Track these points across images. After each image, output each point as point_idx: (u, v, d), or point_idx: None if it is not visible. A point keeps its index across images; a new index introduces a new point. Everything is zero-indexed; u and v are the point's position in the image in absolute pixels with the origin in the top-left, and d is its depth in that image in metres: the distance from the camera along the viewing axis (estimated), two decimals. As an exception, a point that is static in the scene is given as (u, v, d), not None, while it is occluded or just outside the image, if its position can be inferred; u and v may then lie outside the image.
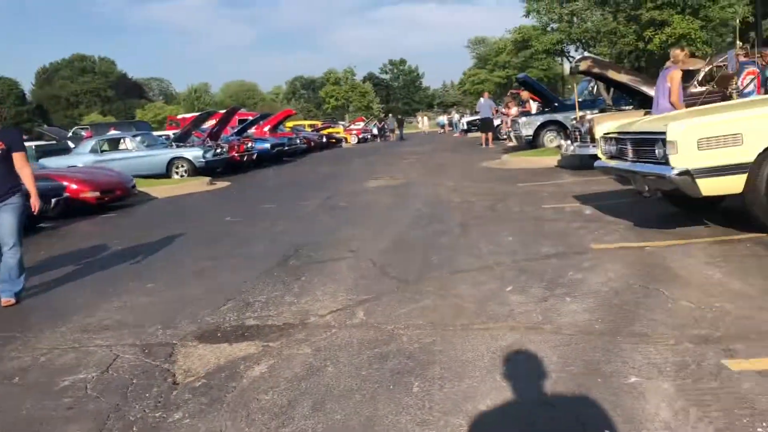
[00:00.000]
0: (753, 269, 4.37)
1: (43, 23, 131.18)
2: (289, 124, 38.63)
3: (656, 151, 5.62)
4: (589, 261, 5.06)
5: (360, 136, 42.94)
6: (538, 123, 16.77)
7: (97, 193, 11.78)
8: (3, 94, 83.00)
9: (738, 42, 8.57)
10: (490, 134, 23.11)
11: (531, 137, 16.77)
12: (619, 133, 6.55)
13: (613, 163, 6.69)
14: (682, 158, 5.19)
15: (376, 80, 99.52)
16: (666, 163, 5.42)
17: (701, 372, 2.75)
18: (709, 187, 5.22)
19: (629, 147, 6.18)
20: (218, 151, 18.46)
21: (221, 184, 16.12)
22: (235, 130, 23.65)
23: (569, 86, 52.25)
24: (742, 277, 4.21)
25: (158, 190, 14.48)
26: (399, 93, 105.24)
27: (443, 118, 61.59)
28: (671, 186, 5.41)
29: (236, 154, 19.67)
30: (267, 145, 22.82)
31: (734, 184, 5.22)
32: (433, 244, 6.38)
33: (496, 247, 5.93)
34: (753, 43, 13.14)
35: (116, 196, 12.28)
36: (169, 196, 14.04)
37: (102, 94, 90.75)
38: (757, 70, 8.86)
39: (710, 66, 11.14)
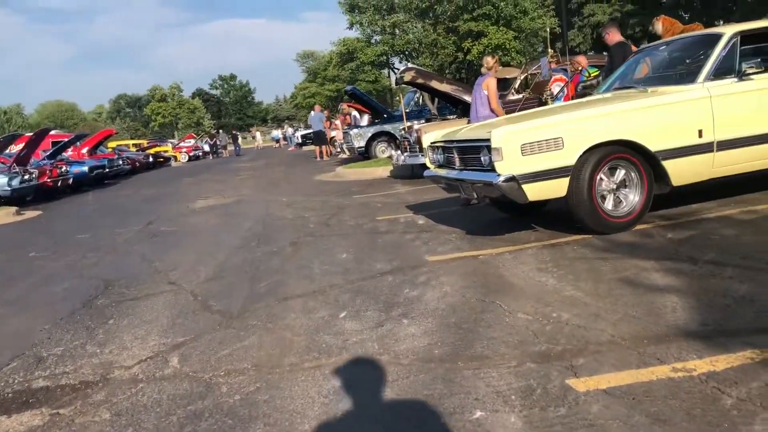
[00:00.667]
0: (583, 273, 4.37)
1: None
2: (112, 144, 36.18)
3: (482, 159, 5.56)
4: (425, 275, 4.85)
5: (191, 154, 41.17)
6: (369, 134, 16.81)
7: None
8: None
9: (549, 50, 8.94)
10: (323, 147, 22.94)
11: (363, 149, 16.77)
12: (445, 141, 6.48)
13: (441, 172, 6.61)
14: (507, 164, 5.15)
15: (206, 96, 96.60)
16: (492, 170, 5.38)
17: (548, 397, 2.54)
18: (535, 191, 5.23)
19: (456, 155, 6.11)
20: (26, 177, 16.63)
21: (30, 213, 14.46)
22: (47, 154, 21.56)
23: (397, 98, 53.83)
24: (574, 282, 4.17)
25: (-50, 225, 12.65)
26: (231, 108, 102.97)
27: (277, 133, 61.00)
28: (498, 193, 5.36)
29: (48, 180, 17.86)
30: (84, 168, 21.00)
31: (558, 188, 5.26)
32: (262, 267, 5.90)
33: (330, 266, 5.58)
34: (564, 51, 14.02)
35: None
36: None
37: None
38: (565, 77, 9.30)
39: (525, 74, 11.66)
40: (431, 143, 6.88)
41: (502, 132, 5.17)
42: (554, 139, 5.18)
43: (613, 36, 8.36)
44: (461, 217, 7.42)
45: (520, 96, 10.82)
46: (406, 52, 15.05)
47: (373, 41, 16.28)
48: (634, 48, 8.61)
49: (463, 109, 12.51)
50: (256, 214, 9.95)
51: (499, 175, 5.19)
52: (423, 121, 13.46)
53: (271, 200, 11.66)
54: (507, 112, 9.41)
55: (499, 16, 14.28)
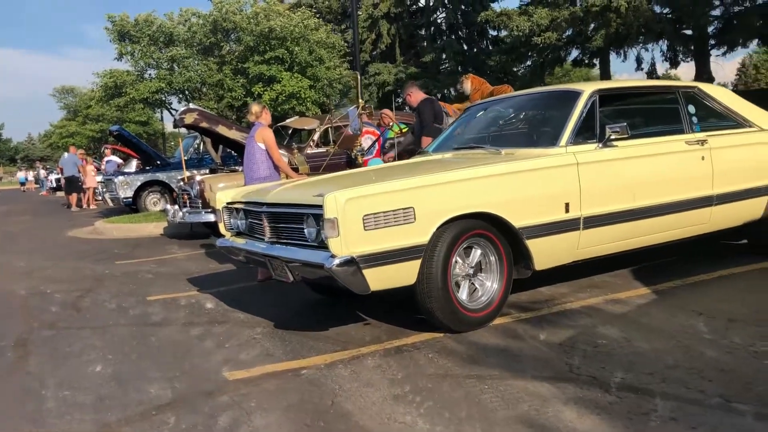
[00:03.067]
0: (461, 406, 3.05)
1: None
2: None
3: (306, 231, 4.10)
4: (227, 412, 3.19)
5: None
6: (139, 183, 14.47)
7: None
8: None
9: (360, 100, 7.83)
10: (74, 195, 19.81)
11: (131, 199, 14.37)
12: (249, 203, 4.91)
13: (241, 242, 5.03)
14: (345, 242, 3.75)
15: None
16: (320, 246, 3.95)
17: None
18: (378, 279, 3.87)
19: (265, 223, 4.56)
20: None
21: None
22: None
23: (171, 143, 50.37)
24: (457, 426, 2.84)
25: None
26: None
27: (25, 174, 53.85)
28: (329, 278, 3.91)
29: None
30: None
31: (407, 274, 3.97)
32: (-40, 393, 3.77)
33: (76, 391, 3.66)
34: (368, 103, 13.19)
35: None
36: None
37: None
38: (377, 131, 8.27)
39: (328, 125, 10.51)
40: (228, 203, 5.27)
41: (339, 197, 3.75)
42: (404, 209, 3.90)
43: (416, 95, 7.53)
44: (262, 297, 5.86)
45: (324, 150, 9.61)
46: (186, 92, 13.20)
47: (146, 76, 14.15)
48: (445, 105, 7.80)
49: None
50: (-25, 286, 7.39)
51: (333, 256, 3.76)
52: (206, 172, 11.67)
53: (3, 265, 9.01)
54: (312, 169, 8.12)
55: (293, 62, 13.10)
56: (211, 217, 9.71)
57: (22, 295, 6.64)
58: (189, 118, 10.04)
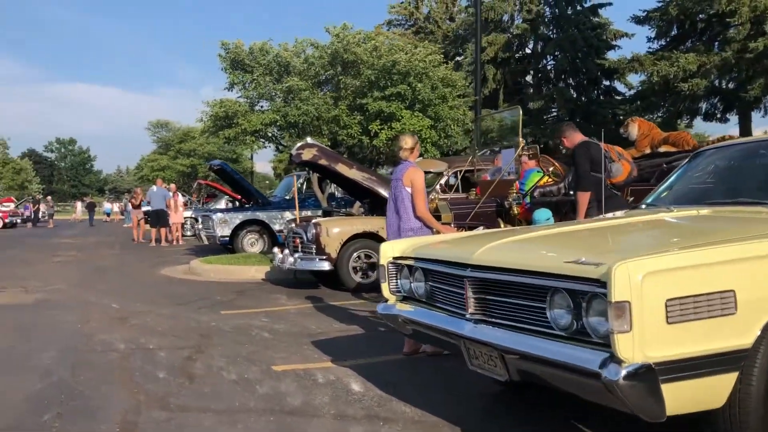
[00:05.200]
0: None
1: None
2: None
3: (550, 313, 2.79)
4: None
5: (6, 220, 35.06)
6: (238, 221, 13.58)
7: None
8: None
9: (519, 139, 6.56)
10: (163, 230, 19.22)
11: (228, 239, 13.48)
12: (437, 262, 3.63)
13: (408, 309, 3.79)
14: (640, 341, 2.41)
15: (37, 158, 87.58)
16: (574, 339, 2.64)
17: None
18: (679, 399, 2.51)
19: (469, 292, 3.26)
20: None
21: None
22: None
23: (266, 182, 50.44)
24: None
25: None
26: (66, 174, 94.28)
27: (111, 206, 55.13)
28: (601, 395, 2.56)
29: None
30: None
31: (717, 392, 2.58)
32: None
33: None
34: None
35: None
36: None
37: None
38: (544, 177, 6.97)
39: (458, 168, 9.28)
40: (395, 259, 4.04)
41: (634, 270, 2.42)
42: (721, 293, 2.53)
43: (573, 137, 6.08)
44: (419, 378, 4.58)
45: (462, 196, 8.36)
46: (299, 127, 12.33)
47: (257, 107, 13.42)
48: (608, 147, 6.41)
49: (371, 204, 9.85)
50: (65, 333, 6.40)
51: (618, 361, 2.41)
52: (319, 213, 10.63)
53: (94, 306, 8.07)
54: (458, 217, 6.86)
55: (414, 99, 12.07)
56: (326, 266, 8.61)
57: (120, 351, 5.55)
58: (307, 154, 9.03)
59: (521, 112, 6.82)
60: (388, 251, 4.10)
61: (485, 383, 4.14)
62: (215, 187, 21.94)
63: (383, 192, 9.06)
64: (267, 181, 50.38)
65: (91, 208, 41.58)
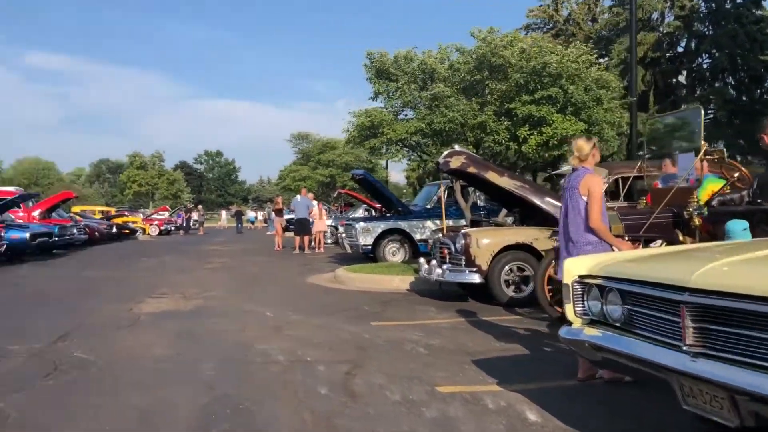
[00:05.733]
0: None
1: None
2: (76, 208, 32.73)
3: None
4: None
5: (162, 228, 37.62)
6: (379, 231, 13.53)
7: None
8: None
9: (701, 143, 5.86)
10: (306, 238, 19.63)
11: (370, 247, 13.46)
12: (657, 285, 3.09)
13: (596, 333, 3.36)
14: None
15: (188, 169, 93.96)
16: None
17: None
18: None
19: (687, 321, 2.77)
20: (-63, 240, 13.00)
21: (-74, 289, 10.75)
22: (-16, 212, 17.98)
23: (405, 192, 51.05)
24: None
25: None
26: (213, 185, 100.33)
27: (254, 214, 57.90)
28: None
29: (-31, 246, 14.21)
30: (25, 235, 17.28)
31: None
32: None
33: None
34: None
35: None
36: None
37: None
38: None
39: (620, 174, 8.61)
40: (581, 277, 3.60)
41: None
42: None
43: None
44: (603, 408, 4.10)
45: (624, 205, 7.71)
46: (444, 134, 12.08)
47: (401, 116, 13.34)
48: None
49: (523, 214, 9.37)
50: (225, 343, 6.47)
51: None
52: (463, 223, 10.29)
53: (249, 313, 8.19)
54: (630, 229, 6.26)
55: (566, 102, 11.45)
56: (477, 278, 8.24)
57: (280, 363, 5.49)
58: (455, 162, 8.72)
59: (703, 113, 6.11)
60: (574, 269, 3.68)
61: (684, 416, 3.61)
62: (354, 196, 22.24)
63: (537, 201, 8.59)
64: (404, 191, 50.89)
65: (238, 216, 43.90)
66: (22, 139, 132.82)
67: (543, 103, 11.50)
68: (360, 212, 23.79)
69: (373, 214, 20.24)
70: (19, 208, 21.20)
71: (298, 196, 20.51)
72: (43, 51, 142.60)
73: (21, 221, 19.96)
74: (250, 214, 59.97)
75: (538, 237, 8.27)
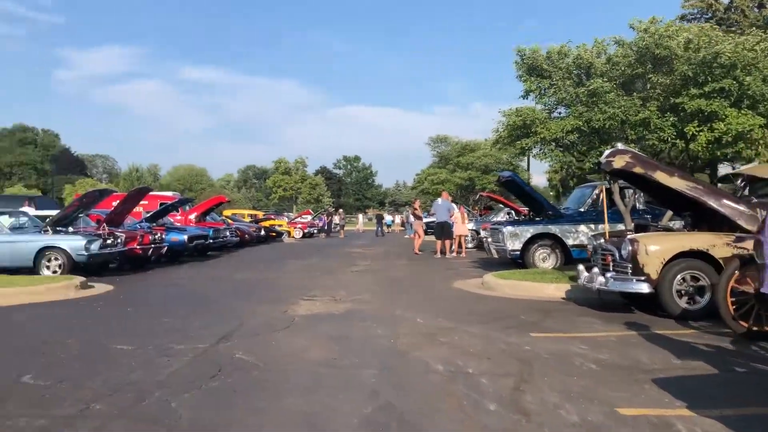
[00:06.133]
0: None
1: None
2: (227, 212, 34.60)
3: None
4: None
5: (305, 231, 38.97)
6: (529, 235, 12.99)
7: None
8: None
9: None
10: (447, 242, 19.32)
11: (519, 253, 12.95)
12: None
13: None
14: None
15: (328, 174, 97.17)
16: None
17: None
18: None
19: None
20: (110, 241, 14.05)
21: (101, 287, 11.60)
22: (149, 215, 19.36)
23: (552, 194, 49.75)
24: None
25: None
26: (351, 188, 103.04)
27: (392, 217, 58.61)
28: None
29: (137, 247, 15.25)
30: (183, 237, 18.43)
31: None
32: None
33: None
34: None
35: None
36: (8, 305, 9.41)
37: (38, 167, 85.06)
38: None
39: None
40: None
41: None
42: None
43: None
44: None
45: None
46: (602, 132, 11.35)
47: (555, 114, 12.73)
48: None
49: (694, 218, 8.55)
50: (380, 348, 6.32)
51: None
52: (623, 227, 9.57)
53: (399, 318, 8.03)
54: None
55: (742, 94, 10.38)
56: (645, 288, 7.58)
57: (439, 373, 5.23)
58: (619, 162, 8.10)
59: None
60: None
61: None
62: (496, 199, 21.72)
63: (713, 203, 7.78)
64: (552, 193, 49.48)
65: (379, 219, 44.64)
66: (177, 148, 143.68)
67: (714, 96, 10.47)
68: (501, 216, 23.21)
69: (515, 217, 19.64)
70: (177, 212, 22.68)
71: (439, 199, 20.30)
72: (197, 65, 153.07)
73: (179, 224, 21.33)
74: (387, 217, 60.82)
75: (714, 243, 7.48)
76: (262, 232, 31.06)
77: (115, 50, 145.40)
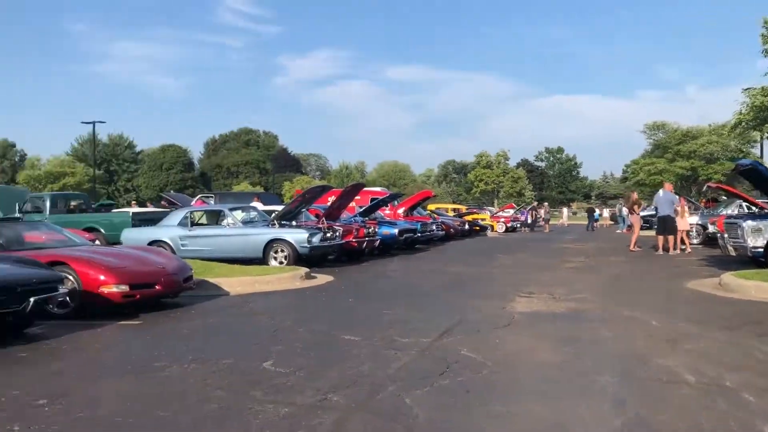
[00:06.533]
0: None
1: (221, 99, 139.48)
2: (431, 206, 35.12)
3: None
4: None
5: (508, 225, 38.34)
6: (775, 230, 11.44)
7: (125, 288, 8.22)
8: (172, 160, 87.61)
9: None
10: (670, 238, 17.69)
11: (761, 250, 11.46)
12: None
13: None
14: None
15: (529, 167, 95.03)
16: None
17: None
18: None
19: None
20: (329, 234, 14.80)
21: (322, 278, 12.24)
22: (361, 210, 20.22)
23: None
24: None
25: (233, 282, 10.78)
26: (554, 181, 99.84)
27: (599, 211, 55.68)
28: None
29: (353, 240, 15.92)
30: (394, 231, 18.93)
31: None
32: None
33: None
34: None
35: (155, 292, 8.66)
36: (244, 293, 10.25)
37: (261, 165, 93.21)
38: None
39: None
40: None
41: None
42: None
43: None
44: None
45: None
46: None
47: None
48: None
49: None
50: (614, 354, 5.83)
51: None
52: None
53: (630, 320, 7.41)
54: None
55: None
56: None
57: (690, 385, 4.65)
58: None
59: None
60: None
61: None
62: (728, 191, 19.56)
63: None
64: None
65: (590, 213, 42.70)
66: (382, 145, 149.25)
67: None
68: (732, 209, 20.89)
69: (752, 210, 17.51)
70: (387, 206, 23.44)
71: (661, 191, 18.71)
72: (402, 65, 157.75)
73: (389, 219, 21.99)
74: (595, 211, 57.98)
75: None
76: (467, 227, 31.06)
77: (323, 54, 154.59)
